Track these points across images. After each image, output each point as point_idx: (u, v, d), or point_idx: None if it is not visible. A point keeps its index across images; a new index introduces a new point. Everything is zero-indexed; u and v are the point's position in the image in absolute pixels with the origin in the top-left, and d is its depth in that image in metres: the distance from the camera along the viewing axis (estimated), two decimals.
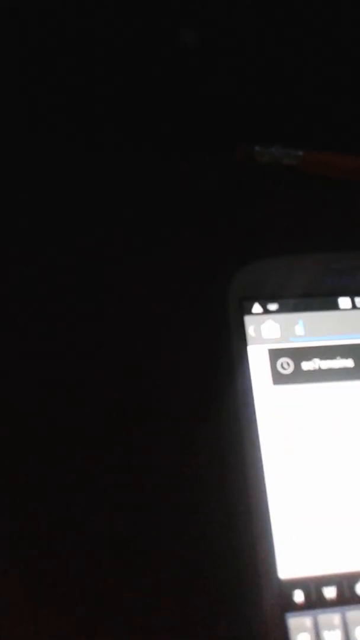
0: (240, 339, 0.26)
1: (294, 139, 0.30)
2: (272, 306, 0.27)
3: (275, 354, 0.26)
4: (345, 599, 0.22)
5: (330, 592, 0.22)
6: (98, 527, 0.24)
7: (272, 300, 0.27)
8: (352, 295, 0.27)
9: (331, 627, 0.22)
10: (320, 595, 0.22)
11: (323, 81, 0.30)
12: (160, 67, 0.30)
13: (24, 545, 0.23)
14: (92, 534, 0.24)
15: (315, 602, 0.22)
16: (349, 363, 0.26)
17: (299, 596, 0.22)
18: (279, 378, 0.25)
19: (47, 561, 0.23)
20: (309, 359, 0.26)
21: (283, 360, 0.26)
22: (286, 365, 0.26)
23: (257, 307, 0.27)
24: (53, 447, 0.25)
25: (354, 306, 0.27)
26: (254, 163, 0.31)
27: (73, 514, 0.24)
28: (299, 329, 0.26)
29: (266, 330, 0.26)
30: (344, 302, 0.27)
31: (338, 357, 0.26)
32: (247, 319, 0.26)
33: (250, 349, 0.26)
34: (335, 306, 0.27)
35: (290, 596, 0.22)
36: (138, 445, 0.25)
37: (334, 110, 0.30)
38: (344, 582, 0.23)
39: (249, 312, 0.27)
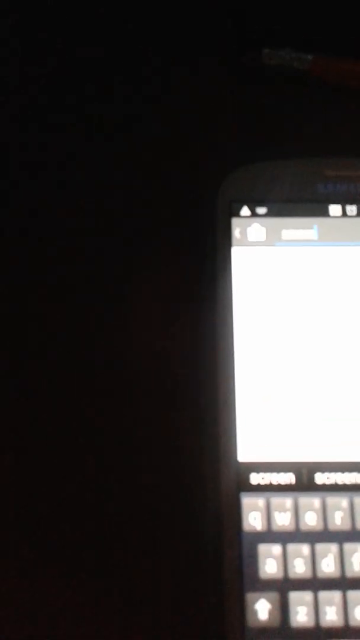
0: (225, 241, 0.27)
1: (303, 45, 0.30)
2: (261, 210, 0.27)
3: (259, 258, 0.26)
4: (298, 486, 0.24)
5: (285, 478, 0.24)
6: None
7: (262, 204, 0.27)
8: (343, 202, 0.27)
9: (282, 510, 0.24)
10: (275, 479, 0.24)
11: None
12: None
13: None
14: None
15: (269, 485, 0.24)
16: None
17: (254, 479, 0.24)
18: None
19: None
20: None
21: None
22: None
23: (245, 210, 0.27)
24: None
25: (344, 214, 0.27)
26: (262, 66, 0.30)
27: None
28: (286, 234, 0.27)
29: (252, 234, 0.27)
30: (334, 209, 0.27)
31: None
32: (235, 220, 0.27)
33: (234, 251, 0.27)
34: (325, 213, 0.27)
35: (246, 478, 0.24)
36: (118, 348, 0.26)
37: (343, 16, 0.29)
38: (300, 469, 0.24)
39: (237, 215, 0.27)
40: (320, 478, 0.24)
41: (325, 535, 0.23)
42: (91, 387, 0.26)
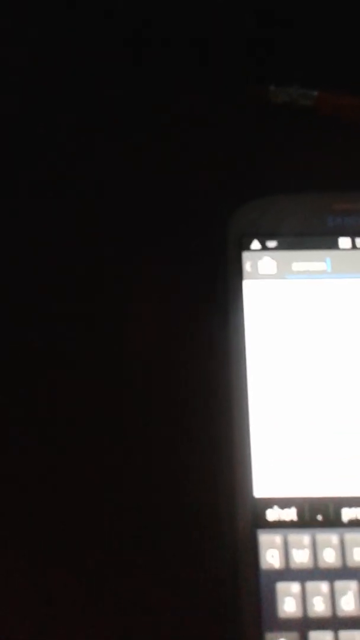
0: (236, 274, 0.27)
1: (307, 81, 0.30)
2: (271, 243, 0.27)
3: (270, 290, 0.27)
4: (316, 522, 0.24)
5: (302, 514, 0.24)
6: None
7: (272, 237, 0.27)
8: (352, 235, 0.27)
9: (300, 547, 0.23)
10: (292, 515, 0.24)
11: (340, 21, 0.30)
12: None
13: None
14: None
15: (286, 521, 0.24)
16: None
17: (271, 515, 0.24)
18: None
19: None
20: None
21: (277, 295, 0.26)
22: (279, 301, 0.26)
23: (255, 244, 0.27)
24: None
25: (354, 246, 0.27)
26: (266, 104, 0.31)
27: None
28: (297, 267, 0.27)
29: (263, 267, 0.27)
30: (344, 242, 0.27)
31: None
32: (245, 254, 0.27)
33: (246, 284, 0.27)
34: (335, 246, 0.27)
35: (262, 514, 0.24)
36: (129, 377, 0.26)
37: (349, 51, 0.30)
38: (316, 505, 0.24)
39: (248, 248, 0.27)
40: (338, 513, 0.24)
41: (344, 572, 0.23)
42: (101, 421, 0.26)
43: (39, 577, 0.24)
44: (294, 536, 0.23)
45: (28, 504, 0.25)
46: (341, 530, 0.23)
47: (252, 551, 0.23)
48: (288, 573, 0.23)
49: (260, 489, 0.24)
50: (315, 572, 0.23)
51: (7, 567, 0.24)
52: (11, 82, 0.32)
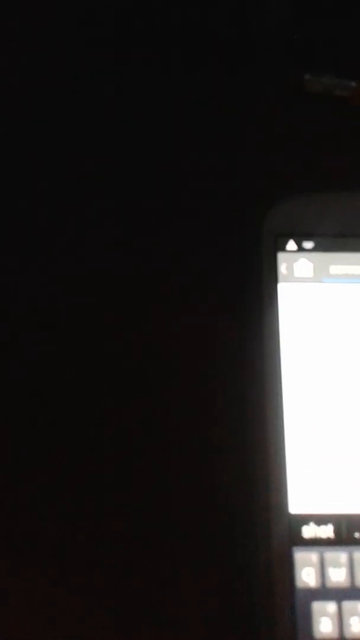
0: (271, 276, 0.25)
1: (346, 70, 0.29)
2: (308, 244, 0.26)
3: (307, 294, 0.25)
4: (354, 539, 0.23)
5: (339, 531, 0.23)
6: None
7: (308, 238, 0.26)
8: None
9: (337, 565, 0.22)
10: (329, 532, 0.23)
11: None
12: None
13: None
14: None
15: (323, 539, 0.23)
16: None
17: (307, 532, 0.23)
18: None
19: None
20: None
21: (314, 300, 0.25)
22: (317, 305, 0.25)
23: (291, 244, 0.26)
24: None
25: None
26: (302, 93, 0.29)
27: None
28: (334, 270, 0.26)
29: (299, 269, 0.26)
30: None
31: None
32: (281, 255, 0.26)
33: (281, 287, 0.25)
34: None
35: (298, 531, 0.23)
36: (158, 385, 0.25)
37: None
38: (354, 522, 0.23)
39: (283, 249, 0.26)
40: None
41: None
42: (132, 436, 0.25)
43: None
44: (331, 554, 0.22)
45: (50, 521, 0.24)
46: None
47: (288, 569, 0.22)
48: (324, 592, 0.22)
49: (296, 505, 0.23)
50: (352, 592, 0.22)
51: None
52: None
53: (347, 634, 0.22)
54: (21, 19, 0.31)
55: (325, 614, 0.22)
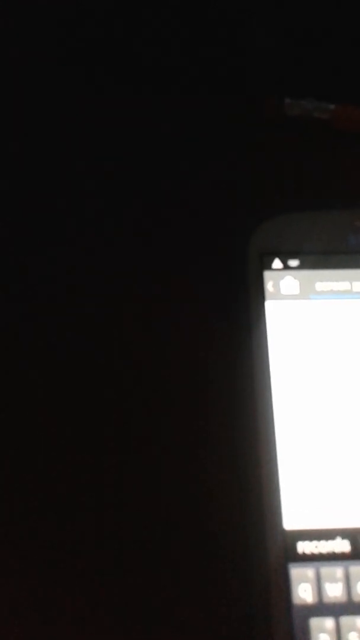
0: (258, 294, 0.26)
1: (324, 94, 0.30)
2: (293, 262, 0.26)
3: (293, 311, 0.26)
4: (349, 554, 0.23)
5: (334, 546, 0.23)
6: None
7: (294, 256, 0.26)
8: None
9: (333, 580, 0.22)
10: (324, 548, 0.23)
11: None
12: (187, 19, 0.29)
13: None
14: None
15: (318, 554, 0.23)
16: None
17: (302, 547, 0.23)
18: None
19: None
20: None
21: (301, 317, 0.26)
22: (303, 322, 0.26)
23: (277, 263, 0.26)
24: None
25: None
26: (283, 116, 0.30)
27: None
28: (320, 286, 0.26)
29: (285, 287, 0.26)
30: None
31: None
32: (267, 274, 0.26)
33: (268, 304, 0.26)
34: (358, 264, 0.27)
35: (293, 547, 0.23)
36: (148, 398, 0.25)
37: None
38: (349, 536, 0.23)
39: (269, 268, 0.26)
40: None
41: None
42: (121, 452, 0.25)
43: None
44: (327, 569, 0.22)
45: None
46: None
47: (284, 586, 0.22)
48: (322, 608, 0.22)
49: (290, 521, 0.23)
50: (349, 607, 0.22)
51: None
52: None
53: None
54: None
55: (323, 630, 0.22)
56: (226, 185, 0.29)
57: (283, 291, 0.26)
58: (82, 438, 0.25)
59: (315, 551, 0.23)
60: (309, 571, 0.22)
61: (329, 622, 0.22)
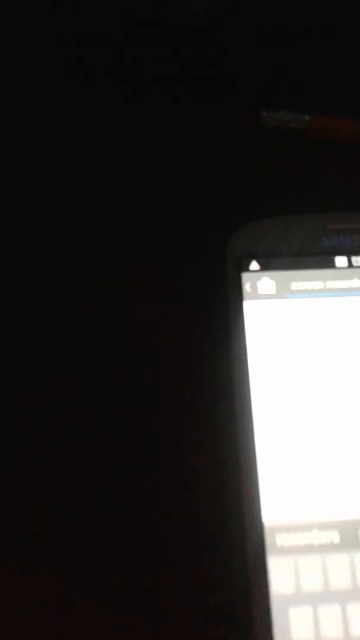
0: (236, 295, 0.27)
1: (300, 106, 0.31)
2: (269, 264, 0.27)
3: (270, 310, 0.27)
4: (326, 546, 0.23)
5: (312, 538, 0.23)
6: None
7: (270, 258, 0.27)
8: (348, 254, 0.28)
9: (311, 570, 0.23)
10: (301, 540, 0.23)
11: (330, 45, 0.30)
12: (168, 32, 0.31)
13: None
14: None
15: (296, 546, 0.23)
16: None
17: (281, 540, 0.23)
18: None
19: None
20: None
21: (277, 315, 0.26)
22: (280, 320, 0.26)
23: (254, 265, 0.27)
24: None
25: (350, 265, 0.27)
26: (260, 126, 0.31)
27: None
28: (295, 286, 0.27)
29: (262, 287, 0.27)
30: (340, 261, 0.28)
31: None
32: (245, 275, 0.27)
33: (246, 304, 0.27)
34: (332, 265, 0.28)
35: (272, 540, 0.23)
36: (127, 396, 0.26)
37: (341, 74, 0.30)
38: (327, 529, 0.23)
39: (247, 270, 0.27)
40: (349, 536, 0.23)
41: (357, 594, 0.23)
42: (104, 448, 0.25)
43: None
44: (304, 560, 0.23)
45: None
46: (352, 552, 0.23)
47: (263, 577, 0.23)
48: (300, 598, 0.23)
49: (269, 514, 0.23)
50: (326, 595, 0.22)
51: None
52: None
53: (324, 637, 0.22)
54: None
55: (302, 619, 0.22)
56: (205, 192, 0.30)
57: (260, 291, 0.27)
58: (73, 435, 0.25)
59: (293, 543, 0.23)
60: (287, 563, 0.23)
61: (307, 611, 0.22)
